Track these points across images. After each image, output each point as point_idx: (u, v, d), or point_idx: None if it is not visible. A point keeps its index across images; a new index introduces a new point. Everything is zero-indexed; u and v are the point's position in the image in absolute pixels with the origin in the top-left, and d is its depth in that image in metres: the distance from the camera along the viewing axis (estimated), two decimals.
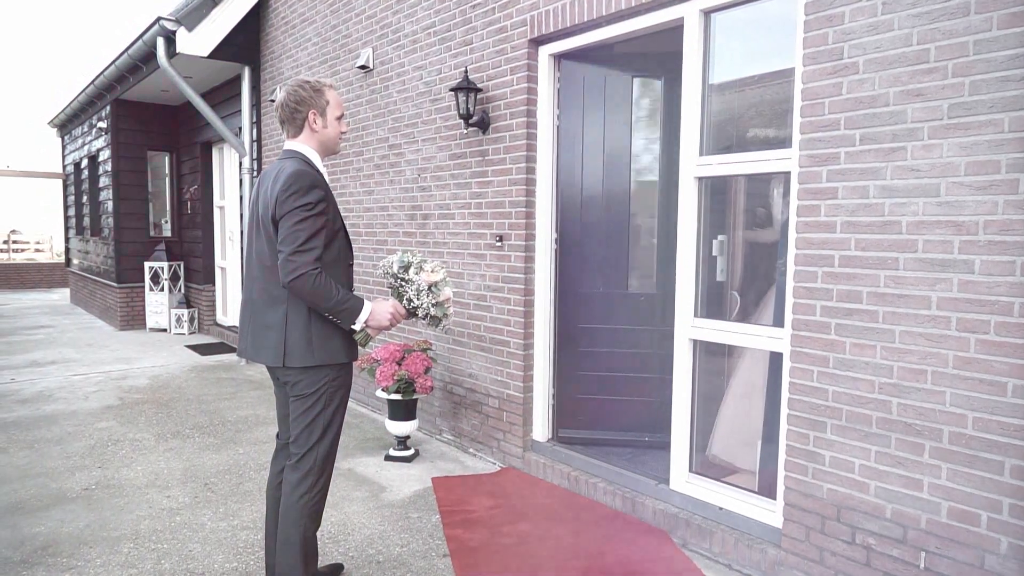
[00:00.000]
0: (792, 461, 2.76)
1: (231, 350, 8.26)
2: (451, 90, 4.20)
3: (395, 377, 4.20)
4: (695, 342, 3.24)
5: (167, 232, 10.24)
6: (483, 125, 4.22)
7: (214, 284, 9.26)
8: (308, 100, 2.54)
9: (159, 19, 6.49)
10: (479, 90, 4.18)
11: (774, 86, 3.02)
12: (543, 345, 4.09)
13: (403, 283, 2.52)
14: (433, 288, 2.47)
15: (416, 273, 2.49)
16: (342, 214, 6.01)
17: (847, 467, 2.59)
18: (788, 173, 2.78)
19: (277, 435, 2.77)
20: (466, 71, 4.19)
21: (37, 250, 18.45)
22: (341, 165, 5.86)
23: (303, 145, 2.58)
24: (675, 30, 3.29)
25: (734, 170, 3.03)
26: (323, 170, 2.63)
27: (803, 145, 2.67)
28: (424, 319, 2.51)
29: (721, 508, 3.11)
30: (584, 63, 4.02)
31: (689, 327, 3.22)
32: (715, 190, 3.31)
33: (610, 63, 4.06)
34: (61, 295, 14.67)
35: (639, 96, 4.07)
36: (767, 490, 3.02)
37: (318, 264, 2.35)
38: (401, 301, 2.53)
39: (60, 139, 13.31)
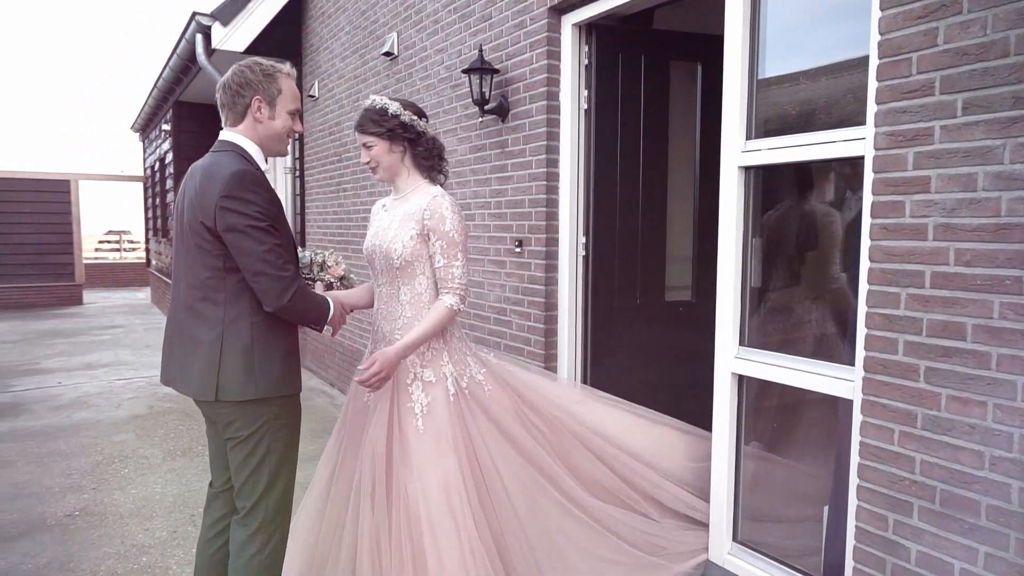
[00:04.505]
0: (863, 550, 2.03)
1: None
2: (463, 72, 3.63)
3: None
4: (740, 378, 2.54)
5: None
6: (501, 112, 3.63)
7: None
8: (254, 84, 2.07)
9: (195, 15, 6.27)
10: (495, 71, 3.60)
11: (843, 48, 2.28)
12: (568, 367, 3.46)
13: (312, 282, 2.45)
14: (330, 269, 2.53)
15: (320, 271, 2.47)
16: (363, 214, 5.71)
17: (943, 570, 1.85)
18: (859, 159, 2.05)
19: (210, 483, 2.31)
20: (481, 50, 3.62)
21: (133, 250, 19.29)
22: None
23: (241, 137, 2.10)
24: None
25: (788, 156, 2.31)
26: (261, 163, 2.14)
27: (880, 119, 1.94)
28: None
29: None
30: (619, 38, 3.37)
31: (731, 358, 2.52)
32: (768, 184, 2.59)
33: (648, 42, 3.41)
34: (146, 294, 15.15)
35: (678, 80, 3.41)
36: None
37: (296, 271, 2.03)
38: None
39: (141, 143, 13.70)
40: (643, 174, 3.47)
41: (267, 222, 1.94)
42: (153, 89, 9.49)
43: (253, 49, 6.48)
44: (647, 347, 3.55)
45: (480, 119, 3.75)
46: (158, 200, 11.75)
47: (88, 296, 13.99)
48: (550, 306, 3.45)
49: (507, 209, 3.69)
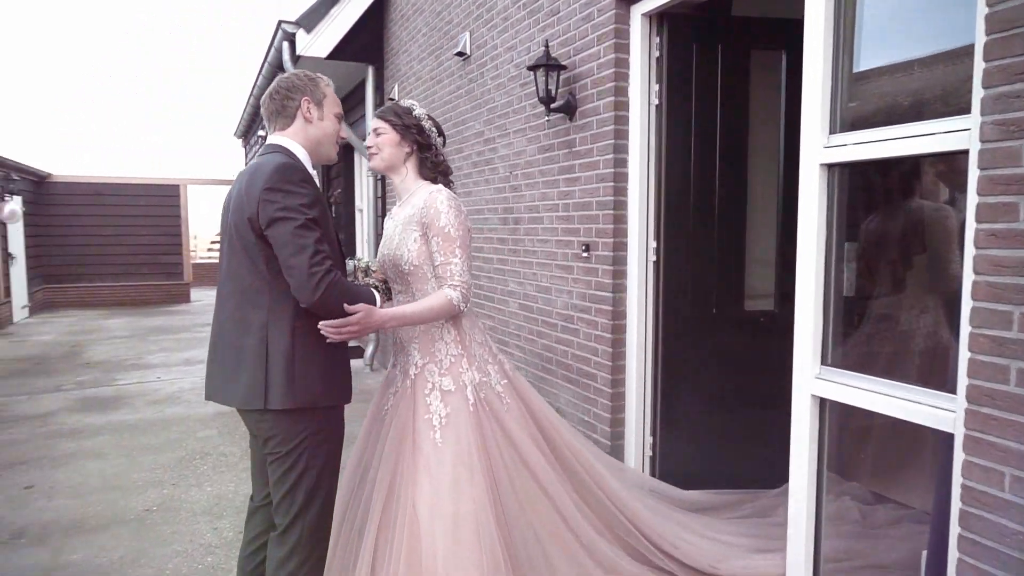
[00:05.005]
0: None
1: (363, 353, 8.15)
2: (528, 69, 3.49)
3: None
4: (822, 402, 2.26)
5: None
6: (569, 110, 3.46)
7: None
8: (301, 87, 2.09)
9: (281, 23, 6.43)
10: (562, 67, 3.43)
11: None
12: (636, 381, 3.25)
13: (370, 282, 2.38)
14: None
15: (365, 276, 2.40)
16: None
17: None
18: (962, 153, 1.75)
19: (251, 497, 2.28)
20: (546, 45, 3.46)
21: None
22: None
23: (289, 140, 2.09)
24: None
25: (877, 152, 2.02)
26: (309, 168, 2.10)
27: (988, 106, 1.65)
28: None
29: None
30: (693, 28, 3.13)
31: (811, 378, 2.25)
32: (858, 182, 2.30)
33: (725, 30, 3.16)
34: None
35: (760, 70, 3.13)
36: None
37: (334, 267, 1.91)
38: None
39: (243, 148, 14.37)
40: (720, 173, 3.21)
41: (309, 216, 1.89)
42: (249, 97, 9.88)
43: (336, 54, 6.59)
44: (723, 360, 3.28)
45: (547, 118, 3.59)
46: None
47: (196, 294, 14.81)
48: (618, 315, 3.25)
49: (574, 212, 3.51)
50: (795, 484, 2.34)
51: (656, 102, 3.13)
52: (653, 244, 3.20)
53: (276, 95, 2.10)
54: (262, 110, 2.18)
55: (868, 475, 3.15)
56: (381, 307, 2.10)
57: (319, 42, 6.44)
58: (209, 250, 21.06)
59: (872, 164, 2.36)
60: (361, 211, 9.00)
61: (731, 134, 3.21)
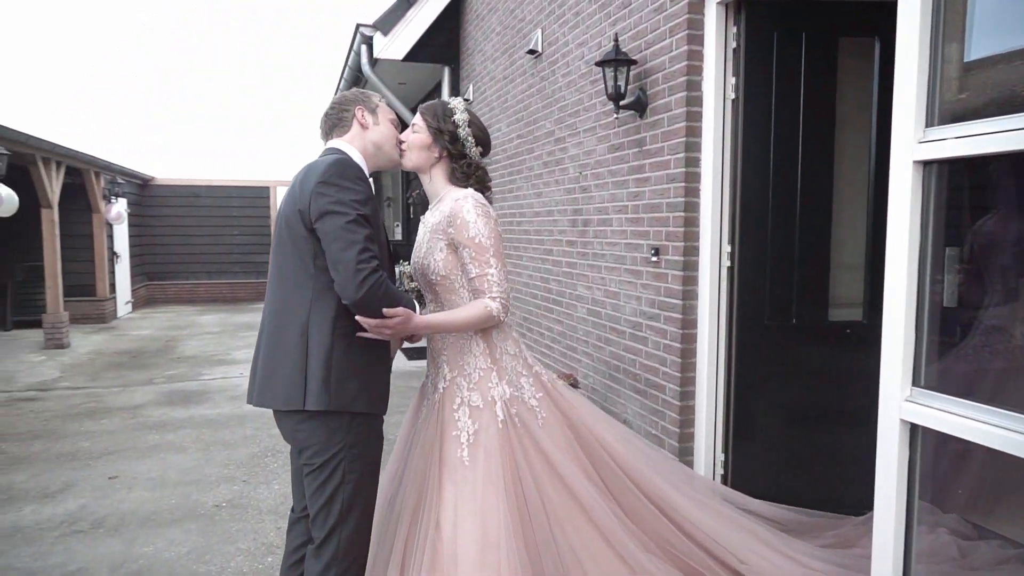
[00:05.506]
0: None
1: None
2: (597, 64, 3.34)
3: None
4: (912, 427, 2.02)
5: (398, 235, 10.66)
6: (639, 106, 3.30)
7: None
8: (353, 100, 2.16)
9: (359, 27, 6.52)
10: (632, 62, 3.27)
11: None
12: (707, 394, 3.05)
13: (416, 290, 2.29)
14: None
15: (411, 281, 2.28)
16: (510, 218, 5.60)
17: None
18: None
19: (292, 508, 2.25)
20: (616, 39, 3.30)
21: None
22: (515, 164, 5.28)
23: (347, 145, 2.12)
24: None
25: (985, 147, 1.78)
26: (365, 172, 2.07)
27: None
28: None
29: None
30: (774, 15, 2.91)
31: (900, 402, 2.00)
32: (958, 182, 2.04)
33: (810, 17, 2.91)
34: None
35: (849, 60, 2.87)
36: None
37: (380, 267, 1.86)
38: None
39: None
40: (802, 171, 2.97)
41: (360, 212, 1.87)
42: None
43: (412, 56, 6.63)
44: (804, 374, 3.04)
45: (615, 116, 3.43)
46: None
47: None
48: (688, 323, 3.06)
49: (644, 214, 3.34)
50: (880, 515, 2.10)
51: (732, 96, 2.93)
52: (727, 248, 3.00)
53: (331, 111, 2.16)
54: (320, 130, 2.20)
55: (969, 506, 2.84)
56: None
57: (395, 44, 6.49)
58: None
59: (985, 160, 2.09)
60: None
61: (816, 129, 2.97)
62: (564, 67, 4.29)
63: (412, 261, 2.22)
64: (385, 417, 2.09)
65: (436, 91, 7.80)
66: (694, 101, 2.97)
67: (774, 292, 3.02)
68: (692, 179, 3.01)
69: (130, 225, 12.20)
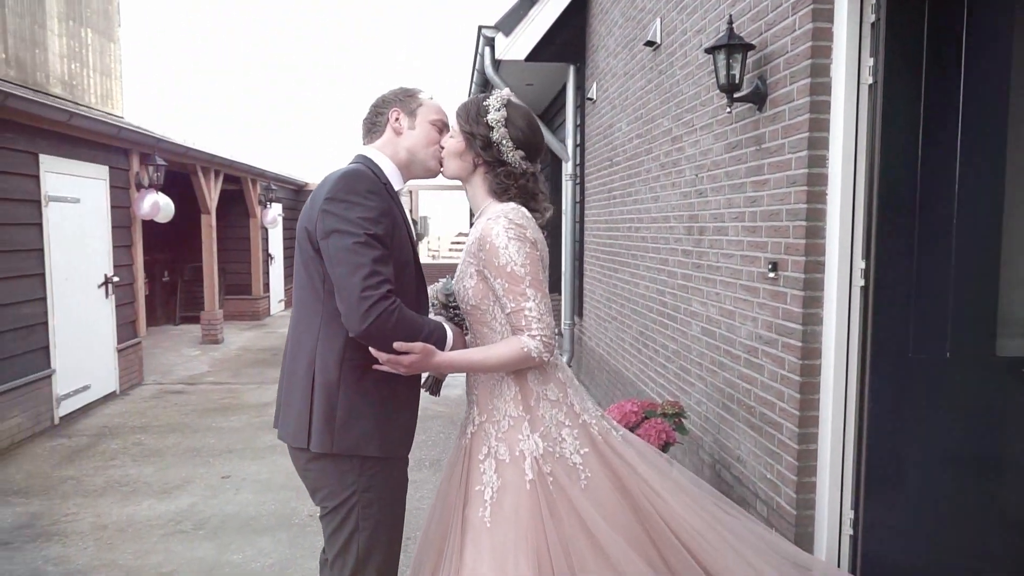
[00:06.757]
0: None
1: None
2: (706, 51, 2.93)
3: None
4: None
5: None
6: (758, 98, 2.85)
7: (559, 293, 9.12)
8: (391, 100, 1.95)
9: (481, 28, 6.41)
10: (749, 47, 2.82)
11: None
12: (832, 438, 2.56)
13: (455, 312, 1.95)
14: None
15: (449, 299, 1.97)
16: (628, 224, 5.17)
17: None
18: None
19: (323, 549, 2.09)
20: (730, 22, 2.88)
21: None
22: (633, 167, 4.90)
23: (376, 152, 1.93)
24: None
25: None
26: (394, 182, 1.87)
27: None
28: None
29: None
30: None
31: None
32: None
33: None
34: None
35: None
36: None
37: (392, 293, 1.63)
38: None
39: None
40: (962, 168, 2.40)
41: (369, 232, 1.65)
42: None
43: (534, 56, 6.42)
44: (961, 417, 2.46)
45: (730, 110, 3.00)
46: None
47: None
48: (809, 352, 2.58)
49: (761, 222, 2.89)
50: None
51: (869, 80, 2.42)
52: (861, 264, 2.49)
53: (369, 112, 2.00)
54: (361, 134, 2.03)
55: None
56: (451, 346, 1.77)
57: (517, 45, 6.32)
58: (451, 250, 22.50)
59: None
60: (564, 220, 8.80)
61: (979, 119, 2.39)
62: (682, 58, 3.87)
63: (453, 284, 1.97)
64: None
65: (563, 92, 7.55)
66: (820, 89, 2.49)
67: (921, 318, 2.47)
68: (816, 181, 2.53)
69: (284, 228, 13.04)
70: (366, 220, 1.65)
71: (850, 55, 2.43)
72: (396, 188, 1.90)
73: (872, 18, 2.40)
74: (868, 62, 2.42)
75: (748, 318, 3.03)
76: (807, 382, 2.59)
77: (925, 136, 2.42)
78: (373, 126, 1.95)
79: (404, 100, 1.94)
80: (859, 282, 2.50)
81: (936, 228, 2.45)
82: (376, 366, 1.67)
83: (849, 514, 2.57)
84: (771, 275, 2.78)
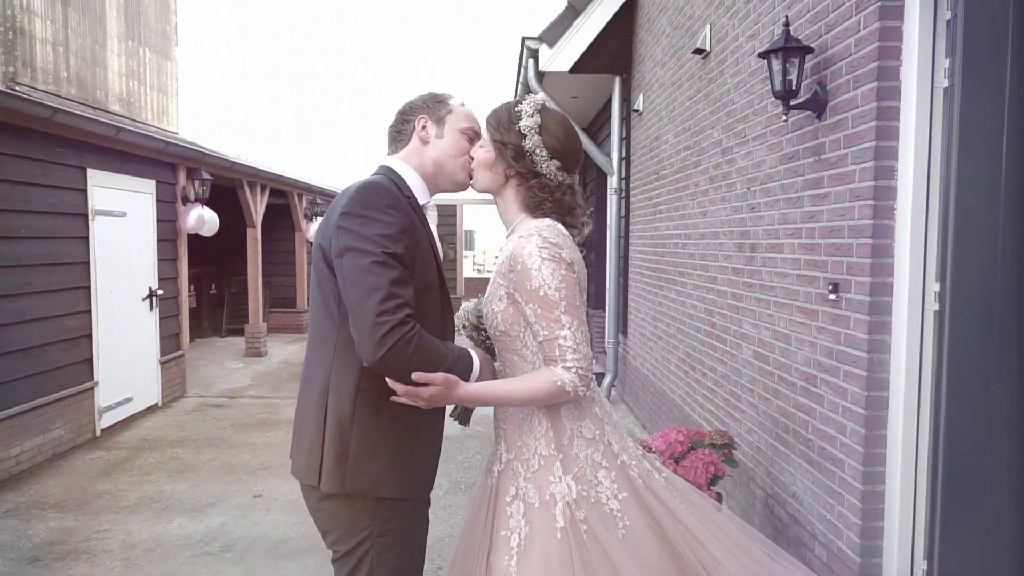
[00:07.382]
0: None
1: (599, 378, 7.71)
2: (760, 55, 2.73)
3: None
4: None
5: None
6: (816, 105, 2.63)
7: (604, 309, 8.90)
8: (419, 107, 1.81)
9: (524, 40, 6.30)
10: (808, 50, 2.61)
11: None
12: (902, 479, 2.30)
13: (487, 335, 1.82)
14: None
15: (479, 320, 1.85)
16: (675, 239, 4.93)
17: None
18: None
19: None
20: (787, 24, 2.67)
21: None
22: (681, 180, 4.69)
23: (400, 162, 1.78)
24: None
25: None
26: (419, 195, 1.73)
27: None
28: None
29: None
30: None
31: None
32: None
33: None
34: None
35: None
36: None
37: (412, 318, 1.48)
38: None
39: None
40: None
41: (387, 250, 1.50)
42: None
43: (579, 68, 6.28)
44: None
45: (785, 118, 2.78)
46: None
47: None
48: (875, 383, 2.34)
49: (820, 239, 2.66)
50: None
51: (945, 84, 2.19)
52: (935, 287, 2.24)
53: (395, 119, 1.86)
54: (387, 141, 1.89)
55: None
56: (479, 375, 1.61)
57: (562, 56, 6.18)
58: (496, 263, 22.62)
59: None
60: (609, 235, 8.60)
61: None
62: (733, 65, 3.67)
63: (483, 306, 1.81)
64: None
65: (609, 104, 7.38)
66: (888, 93, 2.27)
67: (1005, 346, 2.20)
68: (884, 195, 2.29)
69: None
70: (384, 237, 1.51)
71: (923, 56, 2.20)
72: (421, 202, 1.76)
73: (948, 15, 2.17)
74: (943, 63, 2.19)
75: (805, 343, 2.79)
76: (873, 416, 2.35)
77: (1009, 144, 2.17)
78: (399, 134, 1.82)
79: (433, 107, 1.80)
80: (932, 306, 2.26)
81: (1022, 247, 2.19)
82: (394, 398, 1.52)
83: (922, 564, 2.31)
84: (832, 297, 2.55)
